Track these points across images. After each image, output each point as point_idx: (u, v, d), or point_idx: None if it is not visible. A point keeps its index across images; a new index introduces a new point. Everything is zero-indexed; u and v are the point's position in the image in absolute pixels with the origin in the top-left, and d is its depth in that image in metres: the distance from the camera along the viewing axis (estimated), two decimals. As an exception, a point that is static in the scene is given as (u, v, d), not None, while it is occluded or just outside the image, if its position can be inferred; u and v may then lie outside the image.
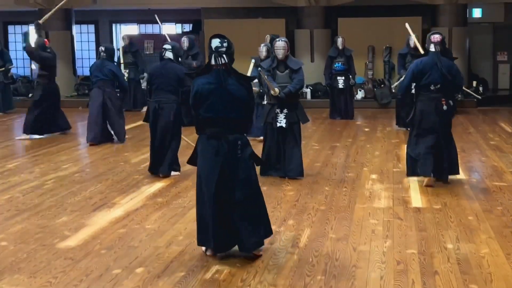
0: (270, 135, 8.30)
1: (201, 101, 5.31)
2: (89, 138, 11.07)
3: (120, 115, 11.31)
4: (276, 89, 8.03)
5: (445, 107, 7.68)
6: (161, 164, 8.49)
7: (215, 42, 5.35)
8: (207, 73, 5.36)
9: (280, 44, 8.19)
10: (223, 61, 5.31)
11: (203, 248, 5.51)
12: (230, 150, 5.28)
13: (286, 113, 8.18)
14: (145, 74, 15.31)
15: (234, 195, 5.29)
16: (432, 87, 7.65)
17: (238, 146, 5.31)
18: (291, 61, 8.29)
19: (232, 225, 5.32)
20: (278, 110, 8.19)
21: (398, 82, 12.70)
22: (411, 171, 7.93)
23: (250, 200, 5.37)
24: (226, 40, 5.36)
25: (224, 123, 5.30)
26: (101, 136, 11.12)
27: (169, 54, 8.56)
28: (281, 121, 8.17)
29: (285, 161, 8.24)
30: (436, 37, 7.70)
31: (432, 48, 7.70)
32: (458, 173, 8.00)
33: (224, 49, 5.32)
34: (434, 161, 7.73)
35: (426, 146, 7.71)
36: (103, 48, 11.22)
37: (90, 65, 11.84)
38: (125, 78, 14.32)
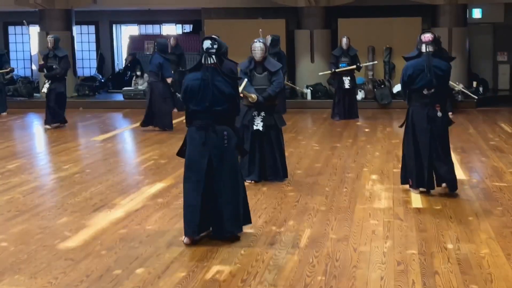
0: (245, 138, 7.99)
1: (191, 96, 5.77)
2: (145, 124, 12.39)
3: (164, 103, 12.37)
4: (253, 95, 7.77)
5: (439, 114, 7.04)
6: None
7: (207, 44, 5.81)
8: (198, 70, 5.83)
9: (258, 45, 7.89)
10: (212, 61, 5.77)
11: (184, 239, 5.78)
12: (217, 140, 5.72)
13: (263, 116, 7.94)
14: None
15: (220, 182, 5.73)
16: (425, 92, 7.02)
17: (225, 137, 5.75)
18: (269, 63, 7.97)
19: (215, 210, 5.74)
20: (255, 113, 7.94)
21: None
22: (404, 179, 7.45)
23: (234, 188, 5.80)
24: (216, 42, 5.82)
25: (211, 116, 5.73)
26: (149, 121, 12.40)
27: None
28: (258, 124, 7.93)
29: (263, 164, 8.02)
30: (427, 37, 7.04)
31: (423, 48, 7.04)
32: (455, 189, 7.30)
33: (214, 50, 5.79)
34: (429, 175, 7.19)
35: (419, 161, 7.15)
36: (155, 43, 12.46)
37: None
38: None
